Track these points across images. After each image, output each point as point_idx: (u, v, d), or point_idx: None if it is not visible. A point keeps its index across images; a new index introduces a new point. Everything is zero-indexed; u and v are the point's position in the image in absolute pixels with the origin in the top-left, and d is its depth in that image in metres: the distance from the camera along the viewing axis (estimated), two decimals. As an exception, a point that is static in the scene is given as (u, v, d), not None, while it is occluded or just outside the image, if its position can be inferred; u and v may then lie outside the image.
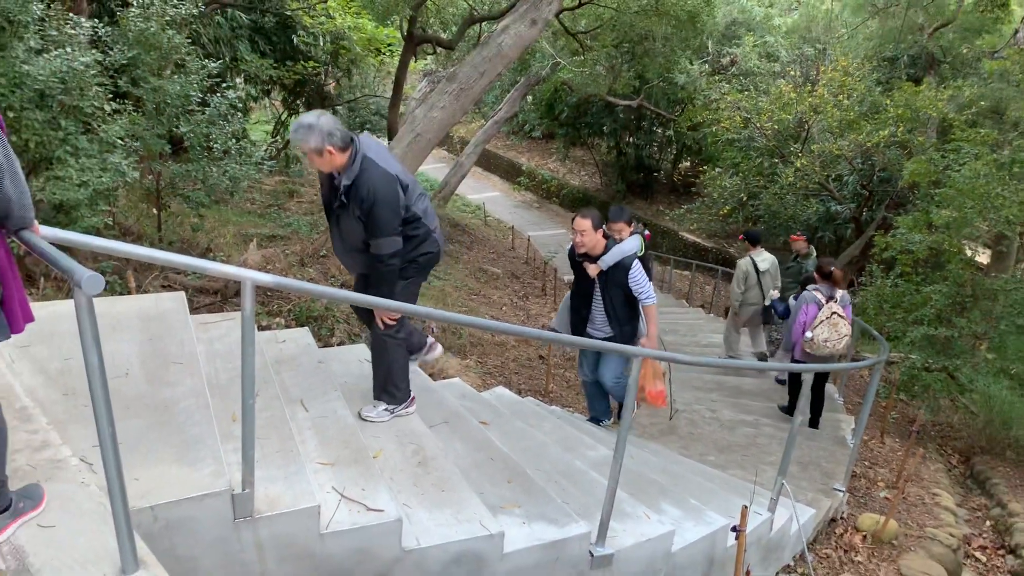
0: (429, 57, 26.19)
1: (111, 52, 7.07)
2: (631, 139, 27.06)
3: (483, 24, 19.09)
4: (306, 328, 5.00)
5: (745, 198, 17.40)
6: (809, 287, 7.07)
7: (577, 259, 5.70)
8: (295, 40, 16.36)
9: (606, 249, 5.52)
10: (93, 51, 6.44)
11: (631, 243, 5.62)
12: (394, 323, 4.00)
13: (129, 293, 5.94)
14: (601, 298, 5.64)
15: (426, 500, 3.50)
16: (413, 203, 3.92)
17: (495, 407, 5.21)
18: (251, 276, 2.58)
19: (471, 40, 20.52)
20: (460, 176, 21.48)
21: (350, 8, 18.56)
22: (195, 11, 8.06)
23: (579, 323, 5.82)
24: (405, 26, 18.94)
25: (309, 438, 3.59)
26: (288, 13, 15.83)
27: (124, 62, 7.26)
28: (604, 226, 5.63)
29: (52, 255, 1.96)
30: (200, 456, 2.93)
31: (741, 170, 17.91)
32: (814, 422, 7.34)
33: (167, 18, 7.58)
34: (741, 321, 9.49)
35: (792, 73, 20.58)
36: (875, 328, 9.15)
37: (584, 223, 5.44)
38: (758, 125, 16.50)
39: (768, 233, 17.75)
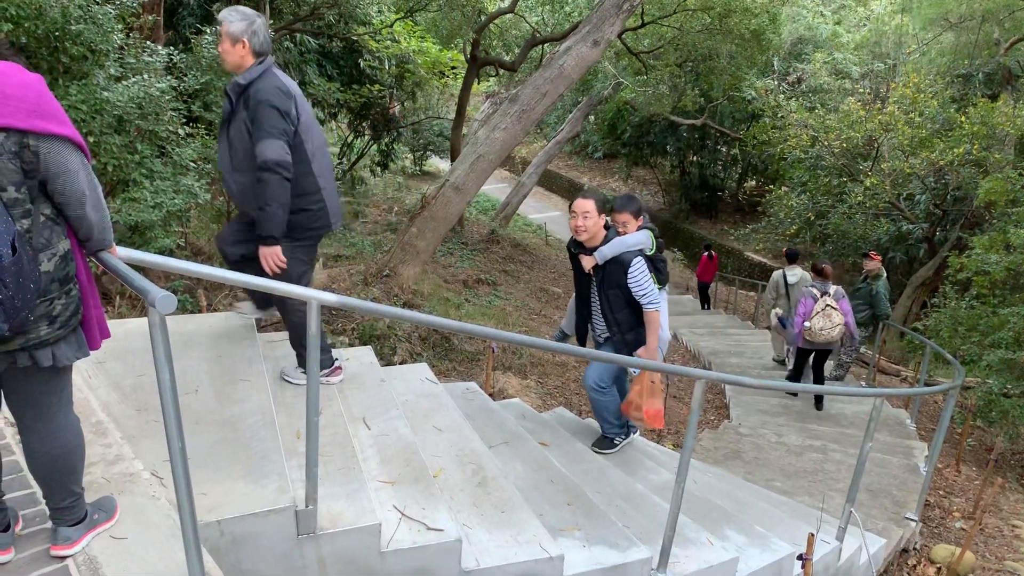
0: (492, 79, 26.47)
1: (185, 78, 7.34)
2: (695, 158, 26.86)
3: (545, 45, 19.21)
4: (369, 347, 5.07)
5: (812, 217, 17.04)
6: (799, 277, 8.66)
7: (572, 250, 4.96)
8: (361, 64, 16.73)
9: (605, 241, 4.74)
10: (168, 77, 6.69)
11: (637, 237, 4.82)
12: (281, 268, 3.63)
13: (200, 311, 6.12)
14: (598, 299, 4.89)
15: (486, 521, 3.50)
16: (307, 139, 3.69)
17: (555, 428, 5.19)
18: (317, 296, 2.64)
19: (533, 61, 20.67)
20: (521, 196, 21.59)
21: (415, 32, 18.90)
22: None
23: (580, 324, 5.16)
24: (468, 49, 19.18)
25: (371, 456, 3.62)
26: (355, 38, 16.19)
27: (197, 87, 7.53)
28: (609, 217, 4.93)
29: (128, 275, 2.04)
30: (265, 472, 2.99)
31: (808, 189, 17.58)
32: (818, 404, 8.62)
33: (239, 45, 7.83)
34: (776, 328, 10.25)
35: (861, 90, 20.17)
36: (950, 352, 8.84)
37: (586, 204, 4.67)
38: (826, 143, 16.18)
39: (836, 252, 17.35)
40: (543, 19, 20.58)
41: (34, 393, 2.17)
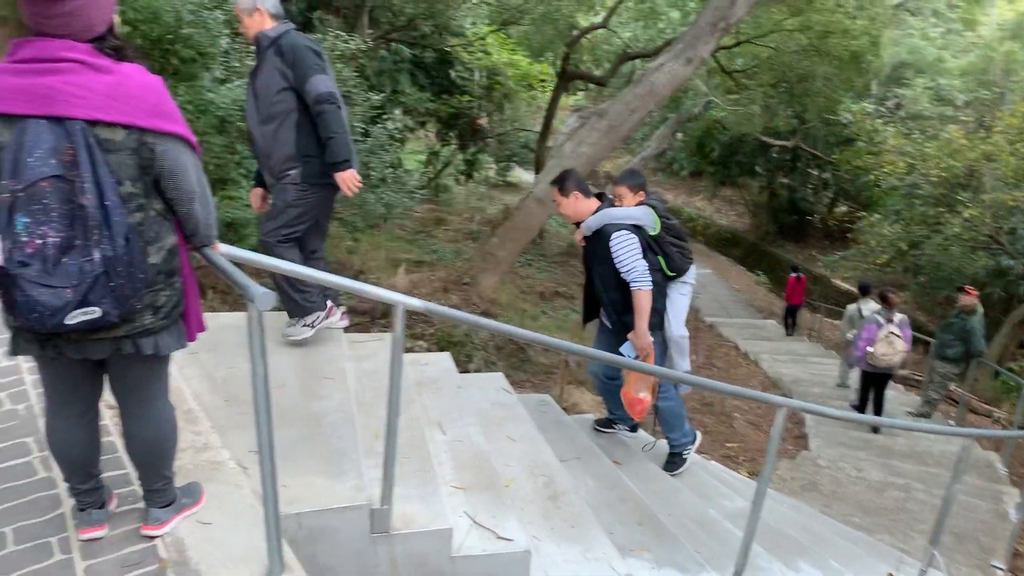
0: (580, 93, 26.54)
1: (286, 83, 7.59)
2: (785, 180, 26.33)
3: (636, 61, 19.15)
4: (447, 353, 5.14)
5: (905, 247, 16.46)
6: (872, 310, 8.97)
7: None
8: (452, 75, 17.00)
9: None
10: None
11: (628, 210, 4.44)
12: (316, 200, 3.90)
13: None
14: (593, 277, 4.55)
15: (555, 534, 3.50)
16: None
17: (628, 447, 5.15)
18: (403, 300, 2.70)
19: (623, 77, 20.65)
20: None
21: (507, 45, 19.12)
22: (363, 46, 8.54)
23: (587, 309, 4.84)
24: (558, 62, 19.28)
25: (445, 461, 3.67)
26: (448, 49, 16.48)
27: (297, 92, 7.78)
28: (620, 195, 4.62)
29: (230, 271, 2.13)
30: (344, 469, 3.06)
31: (902, 218, 16.99)
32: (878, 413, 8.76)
33: (338, 52, 8.08)
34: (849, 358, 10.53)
35: (964, 118, 19.42)
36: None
37: (552, 190, 4.52)
38: (923, 172, 15.62)
39: (928, 285, 16.71)
40: (635, 35, 20.55)
41: (135, 379, 2.29)
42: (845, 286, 22.81)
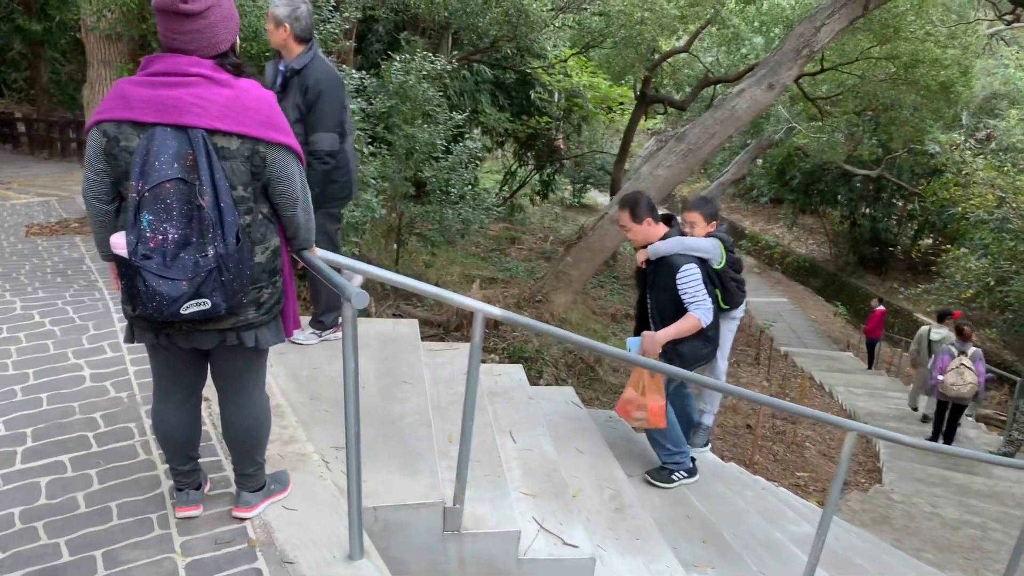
0: (659, 116, 26.48)
1: (374, 101, 7.89)
2: (867, 210, 25.67)
3: (717, 86, 19.07)
4: (520, 365, 5.27)
5: (992, 283, 15.89)
6: (942, 336, 9.75)
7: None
8: (532, 96, 17.23)
9: (665, 239, 4.34)
10: (359, 99, 7.23)
11: (700, 242, 4.35)
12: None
13: (368, 316, 6.55)
14: (648, 300, 4.45)
15: (620, 545, 3.57)
16: (345, 119, 3.88)
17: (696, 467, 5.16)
18: (483, 308, 2.83)
19: (703, 102, 20.56)
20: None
21: (587, 67, 19.27)
22: (448, 67, 8.79)
23: (638, 327, 4.67)
24: (638, 86, 19.33)
25: (515, 467, 3.78)
26: (528, 70, 16.71)
27: (383, 110, 8.07)
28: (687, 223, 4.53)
29: (327, 272, 2.30)
30: (419, 468, 3.20)
31: (991, 252, 16.41)
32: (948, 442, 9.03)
33: (423, 72, 8.34)
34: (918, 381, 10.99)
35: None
36: None
37: (622, 214, 4.39)
38: (1014, 205, 15.11)
39: (1016, 322, 16.09)
40: (717, 60, 20.46)
41: (237, 370, 2.48)
42: (927, 320, 22.10)
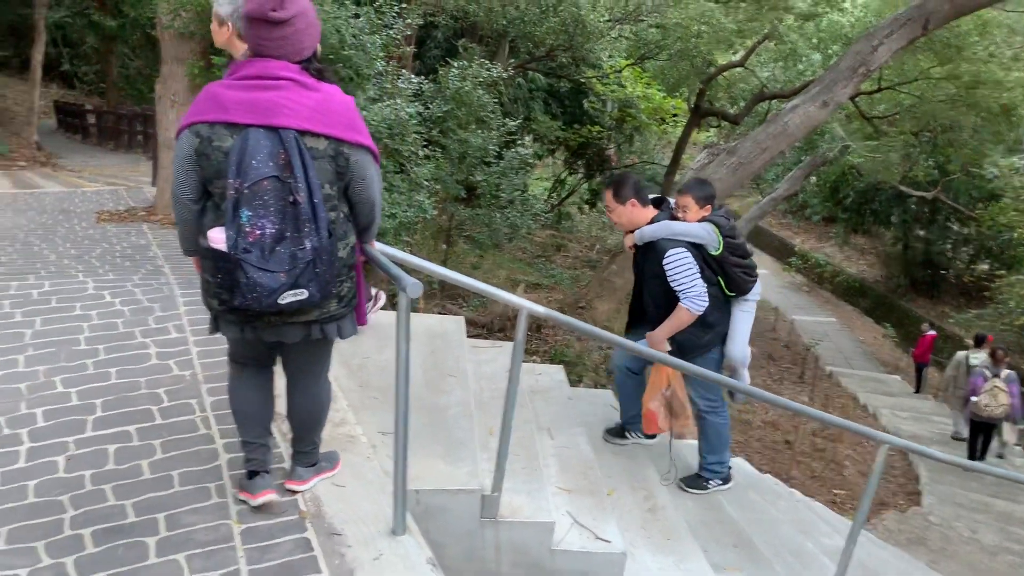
0: (712, 130, 26.37)
1: (430, 106, 8.09)
2: (921, 232, 25.23)
3: (772, 101, 18.96)
4: (561, 366, 5.39)
5: (1048, 310, 15.58)
6: (980, 361, 9.95)
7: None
8: (585, 105, 17.34)
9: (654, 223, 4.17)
10: (416, 103, 7.43)
11: (690, 227, 4.09)
12: None
13: (417, 311, 6.73)
14: (640, 288, 4.31)
15: (651, 544, 3.67)
16: None
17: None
18: (527, 306, 2.97)
19: (758, 116, 20.44)
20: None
21: (641, 78, 19.30)
22: (504, 75, 8.96)
23: (632, 314, 4.52)
24: (692, 98, 19.31)
25: (552, 463, 3.91)
26: (583, 80, 16.82)
27: (439, 115, 8.27)
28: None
29: (386, 264, 2.46)
30: (460, 457, 3.35)
31: (1048, 279, 16.10)
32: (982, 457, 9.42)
33: (479, 79, 8.52)
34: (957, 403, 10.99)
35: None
36: None
37: (607, 193, 4.27)
38: (1074, 232, 14.79)
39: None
40: (773, 75, 20.33)
41: (309, 358, 2.65)
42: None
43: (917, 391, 16.31)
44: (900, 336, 22.74)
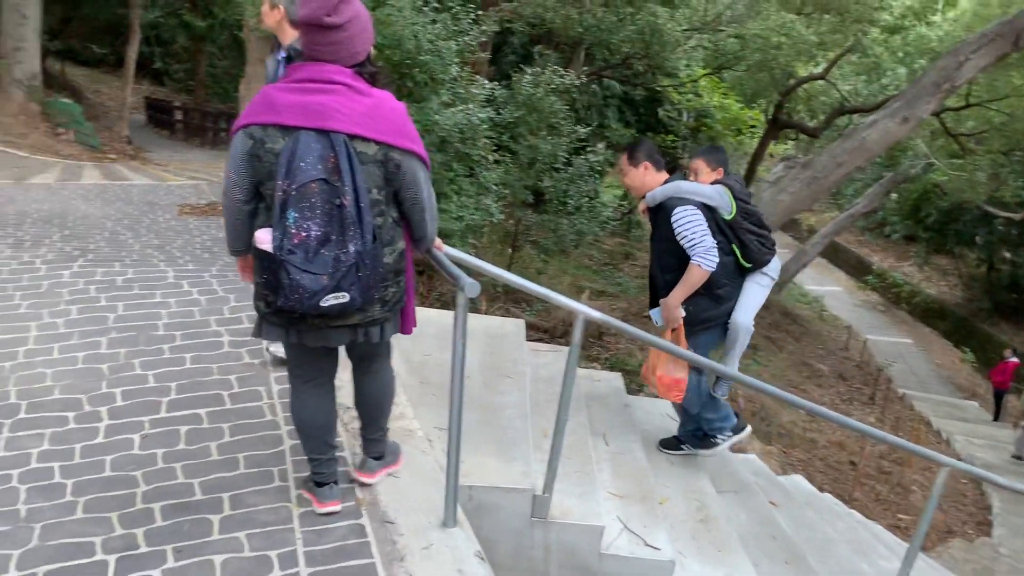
0: (790, 142, 25.91)
1: (502, 111, 8.19)
2: (1008, 255, 24.26)
3: (853, 116, 18.54)
4: (618, 373, 5.41)
5: None
6: None
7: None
8: (660, 113, 17.25)
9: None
10: (488, 108, 7.54)
11: (699, 187, 4.00)
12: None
13: (479, 313, 6.83)
14: (653, 258, 4.16)
15: (701, 555, 3.66)
16: None
17: (788, 492, 5.16)
18: (585, 311, 3.02)
19: (838, 130, 20.00)
20: (801, 265, 20.89)
21: (719, 88, 19.11)
22: (577, 82, 9.01)
23: (652, 291, 4.32)
24: (770, 109, 19.02)
25: (605, 468, 3.94)
26: (659, 88, 16.75)
27: (511, 120, 8.37)
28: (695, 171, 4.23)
29: (446, 263, 2.54)
30: (514, 456, 3.42)
31: None
32: None
33: (552, 86, 8.59)
34: None
35: None
36: None
37: (622, 157, 4.20)
38: None
39: None
40: (856, 89, 19.86)
41: (369, 351, 2.70)
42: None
43: (996, 419, 15.71)
44: (980, 361, 21.92)
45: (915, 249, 28.38)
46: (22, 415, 3.26)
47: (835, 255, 30.63)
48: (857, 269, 29.84)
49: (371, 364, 2.76)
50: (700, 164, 4.17)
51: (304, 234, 2.22)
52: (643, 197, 4.14)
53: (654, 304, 4.26)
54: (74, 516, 2.66)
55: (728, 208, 3.95)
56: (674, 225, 3.86)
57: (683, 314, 3.97)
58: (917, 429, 11.76)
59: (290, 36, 3.58)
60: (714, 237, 3.88)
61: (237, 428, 3.27)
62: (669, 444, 4.53)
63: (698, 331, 4.05)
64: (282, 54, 3.63)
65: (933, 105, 9.06)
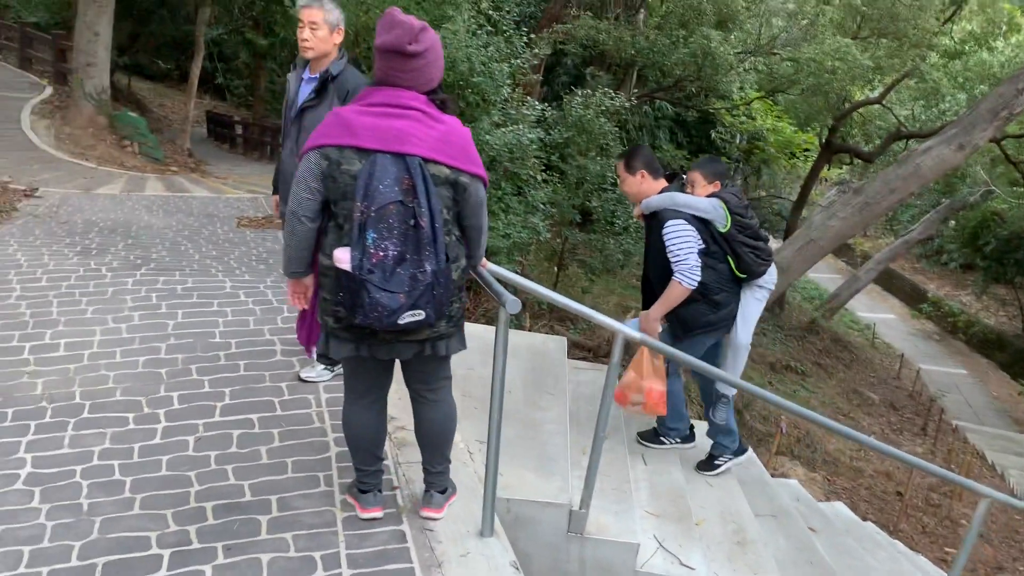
0: (844, 167, 25.56)
1: (552, 132, 8.30)
2: (1070, 286, 23.58)
3: (909, 141, 18.26)
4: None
5: None
6: None
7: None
8: (712, 135, 17.20)
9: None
10: (538, 129, 7.65)
11: (697, 200, 4.07)
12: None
13: (523, 329, 6.92)
14: (647, 263, 4.26)
15: (736, 577, 3.68)
16: None
17: (828, 519, 5.12)
18: (623, 330, 3.09)
19: (894, 155, 19.70)
20: (854, 291, 20.59)
21: (772, 111, 18.99)
22: (628, 104, 9.08)
23: (645, 294, 4.38)
24: (824, 134, 18.83)
25: (643, 488, 3.98)
26: (711, 110, 16.71)
27: (560, 141, 8.47)
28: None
29: (490, 281, 2.64)
30: (552, 471, 3.49)
31: None
32: None
33: (603, 108, 8.67)
34: None
35: None
36: None
37: (619, 164, 4.26)
38: None
39: None
40: (913, 114, 19.58)
41: (429, 373, 2.75)
42: None
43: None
44: (1037, 394, 21.26)
45: (973, 278, 27.67)
46: (85, 414, 3.44)
47: (889, 282, 30.02)
48: (912, 297, 29.19)
49: (434, 392, 2.79)
50: (697, 176, 4.25)
51: (382, 254, 2.30)
52: (640, 202, 4.21)
53: (649, 305, 4.30)
54: (132, 511, 2.81)
55: (723, 221, 4.04)
56: (664, 237, 3.96)
57: (660, 329, 4.08)
58: (970, 462, 11.48)
59: (334, 57, 3.61)
60: (708, 248, 4.02)
61: (286, 434, 3.41)
62: (650, 438, 4.51)
63: (698, 335, 4.13)
64: (308, 74, 3.67)
65: (990, 133, 8.89)
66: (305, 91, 3.65)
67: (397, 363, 2.79)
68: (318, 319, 2.65)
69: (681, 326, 4.10)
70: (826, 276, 27.65)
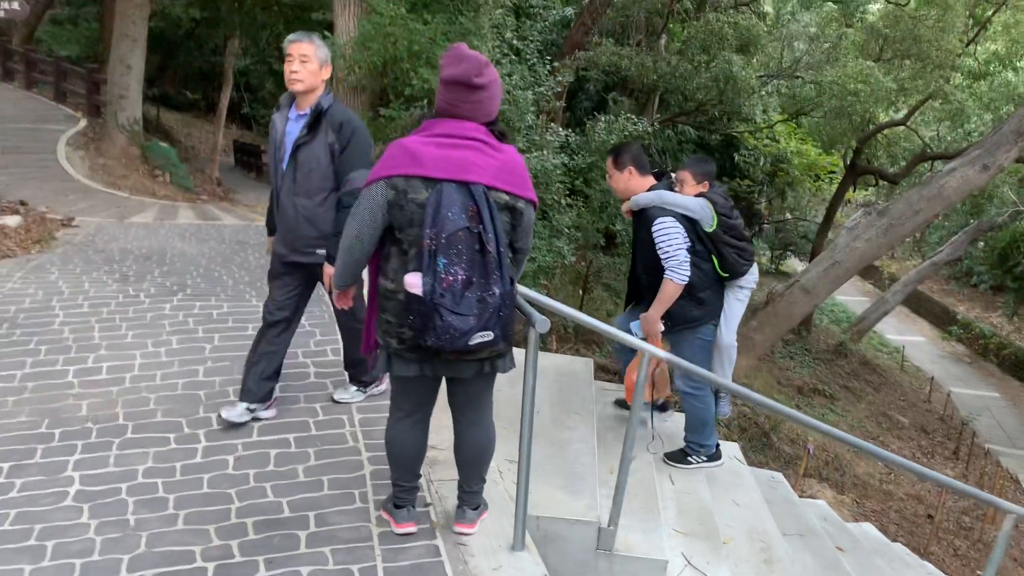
0: (870, 188, 25.46)
1: (576, 157, 8.43)
2: (1103, 307, 23.23)
3: (935, 162, 18.20)
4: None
5: None
6: None
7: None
8: (736, 158, 17.24)
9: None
10: (562, 154, 7.79)
11: (683, 199, 4.16)
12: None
13: (550, 351, 7.00)
14: (634, 258, 4.38)
15: (764, 595, 3.71)
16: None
17: (856, 539, 5.12)
18: (649, 349, 3.17)
19: (919, 177, 19.64)
20: (882, 313, 20.42)
21: (796, 133, 19.00)
22: (650, 128, 9.19)
23: (631, 288, 4.56)
24: (849, 155, 18.82)
25: (670, 506, 4.02)
26: (735, 133, 16.77)
27: (584, 166, 8.60)
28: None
29: (519, 302, 2.72)
30: (580, 490, 3.55)
31: None
32: None
33: (625, 132, 8.80)
34: None
35: None
36: None
37: (608, 161, 4.36)
38: None
39: None
40: (938, 135, 19.52)
41: (475, 392, 2.85)
42: None
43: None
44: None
45: (1003, 299, 27.33)
46: (129, 435, 3.57)
47: (918, 304, 29.71)
48: (941, 319, 28.84)
49: (478, 414, 2.89)
50: (686, 176, 4.33)
51: (452, 279, 2.40)
52: (628, 199, 4.31)
53: (630, 302, 4.53)
54: (176, 527, 2.92)
55: (709, 221, 4.16)
56: (654, 234, 4.06)
57: (662, 328, 4.17)
58: (1004, 487, 11.32)
59: (321, 92, 3.57)
60: (694, 247, 4.13)
61: (322, 453, 3.51)
62: (676, 458, 4.54)
63: (687, 332, 4.26)
64: (295, 113, 3.61)
65: (1014, 153, 8.91)
66: (295, 129, 3.62)
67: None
68: (377, 338, 2.73)
69: (669, 320, 4.19)
70: (854, 298, 27.44)
